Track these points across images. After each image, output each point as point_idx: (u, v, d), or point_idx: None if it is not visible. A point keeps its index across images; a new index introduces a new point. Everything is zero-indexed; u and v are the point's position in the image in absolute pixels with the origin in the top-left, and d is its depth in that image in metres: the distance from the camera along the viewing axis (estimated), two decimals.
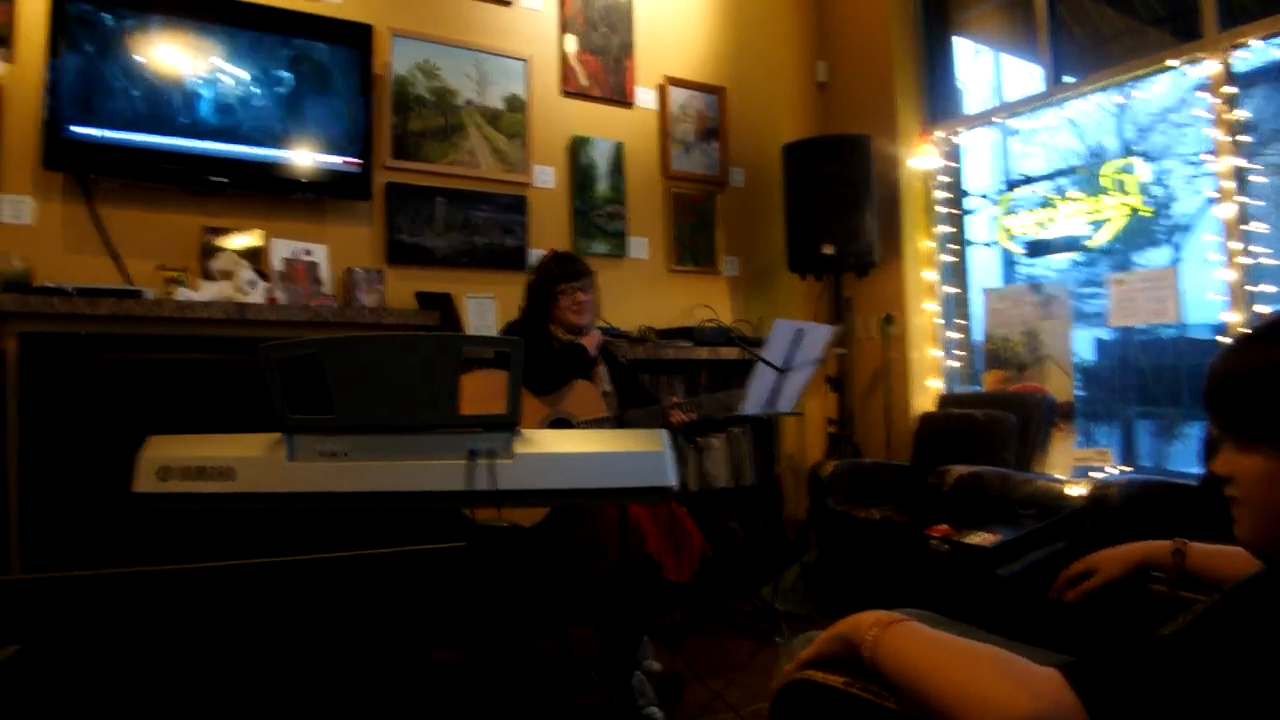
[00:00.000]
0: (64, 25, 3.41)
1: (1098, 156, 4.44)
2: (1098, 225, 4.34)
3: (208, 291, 3.48)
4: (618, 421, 3.15)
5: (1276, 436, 1.04)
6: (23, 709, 1.30)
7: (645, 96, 5.03)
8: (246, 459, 1.56)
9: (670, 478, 1.57)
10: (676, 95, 5.12)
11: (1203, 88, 3.95)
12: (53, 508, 3.10)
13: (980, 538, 3.28)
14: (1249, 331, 1.13)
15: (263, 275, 3.65)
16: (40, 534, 3.08)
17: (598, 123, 4.86)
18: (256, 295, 3.52)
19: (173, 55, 3.61)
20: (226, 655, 1.53)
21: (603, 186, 4.81)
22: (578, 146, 4.75)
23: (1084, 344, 4.76)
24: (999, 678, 0.96)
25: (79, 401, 3.16)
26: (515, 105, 4.56)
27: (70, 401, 3.15)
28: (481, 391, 2.13)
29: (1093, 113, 4.58)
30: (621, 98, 4.94)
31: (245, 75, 3.74)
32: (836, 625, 1.21)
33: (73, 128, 3.41)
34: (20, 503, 3.08)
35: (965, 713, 0.96)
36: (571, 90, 4.78)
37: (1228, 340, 3.41)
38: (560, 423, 3.09)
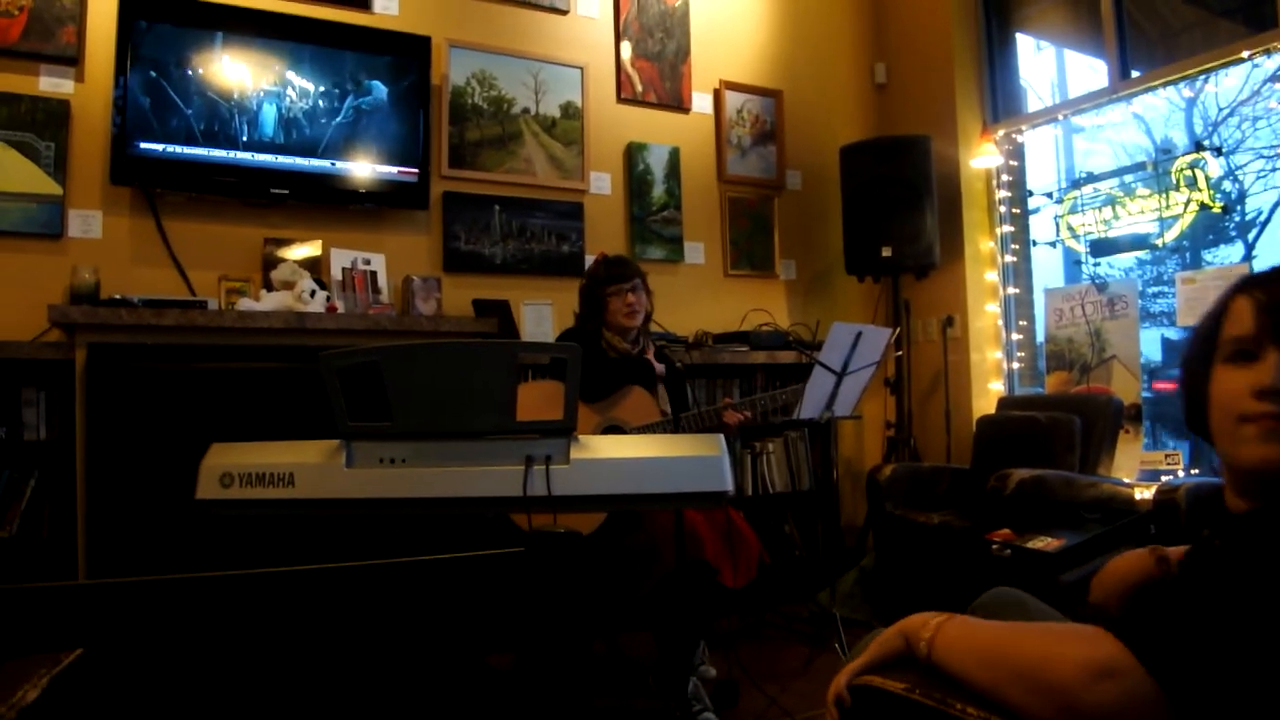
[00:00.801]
0: (131, 44, 3.51)
1: (1166, 152, 4.34)
2: (1165, 223, 4.25)
3: (269, 301, 3.54)
4: (672, 426, 3.15)
5: None
6: (86, 713, 1.34)
7: (701, 101, 5.03)
8: (306, 465, 1.59)
9: (727, 482, 1.57)
10: (732, 99, 5.11)
11: (1277, 79, 3.84)
12: (118, 514, 3.17)
13: (1043, 542, 3.23)
14: None
15: (322, 285, 3.71)
16: (106, 540, 3.16)
17: (653, 128, 4.87)
18: (316, 304, 3.57)
19: (235, 71, 3.70)
20: (286, 659, 1.55)
21: (659, 192, 4.82)
22: (634, 152, 4.77)
23: (1151, 344, 4.66)
24: (1055, 640, 1.01)
25: (144, 410, 3.24)
26: (571, 113, 4.59)
27: (135, 410, 3.22)
28: (532, 402, 2.14)
29: (1161, 107, 4.49)
30: (677, 103, 4.94)
31: (305, 89, 3.82)
32: (890, 628, 1.23)
33: (140, 144, 3.51)
34: (87, 509, 3.16)
35: (1037, 673, 0.99)
36: (627, 97, 4.80)
37: None
38: (613, 429, 3.10)
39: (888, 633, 1.23)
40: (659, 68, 4.89)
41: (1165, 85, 4.32)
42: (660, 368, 3.28)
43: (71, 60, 3.56)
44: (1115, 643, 0.96)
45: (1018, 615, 1.37)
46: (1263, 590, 0.93)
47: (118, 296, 3.31)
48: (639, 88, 4.83)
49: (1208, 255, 5.04)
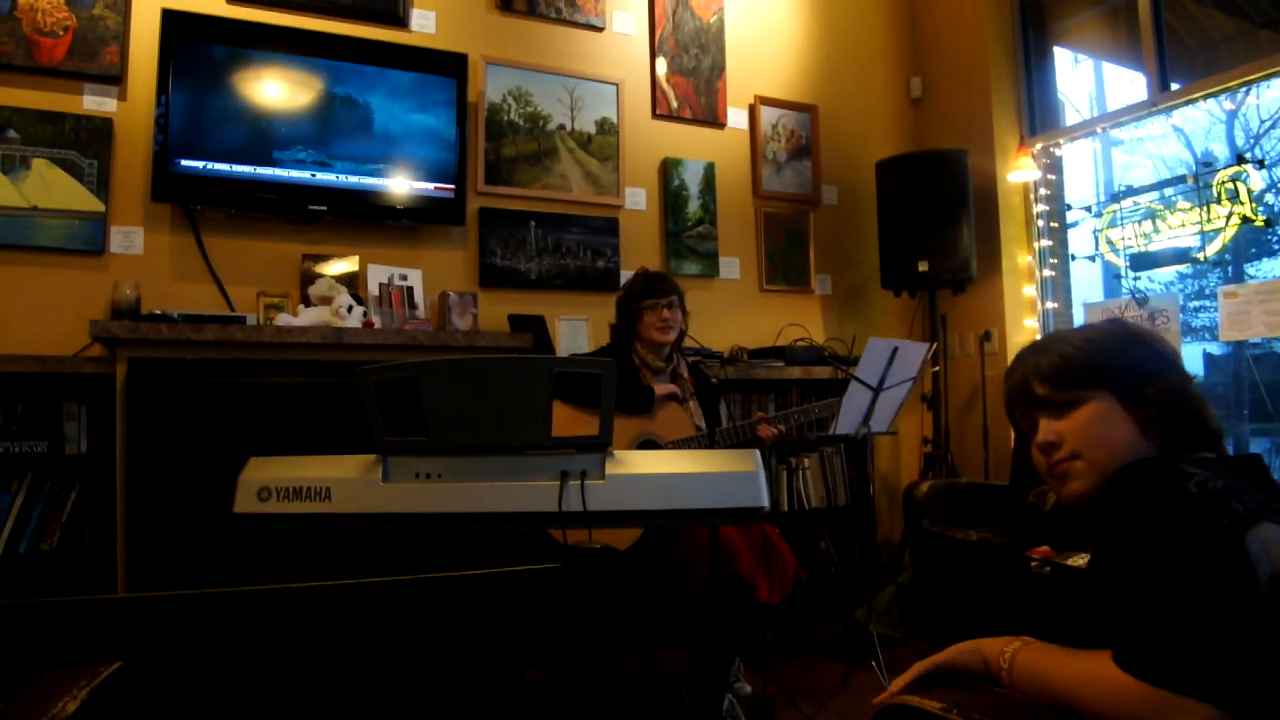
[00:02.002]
0: (173, 63, 3.57)
1: (1207, 165, 4.29)
2: (1207, 236, 4.19)
3: (306, 316, 3.57)
4: (706, 440, 3.14)
5: (1097, 382, 1.35)
6: None
7: (736, 116, 5.03)
8: (343, 480, 1.59)
9: (763, 498, 1.56)
10: (767, 114, 5.11)
11: None
12: (158, 527, 3.20)
13: (1083, 560, 3.18)
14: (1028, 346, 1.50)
15: (359, 300, 3.74)
16: (145, 553, 3.19)
17: (689, 144, 4.88)
18: (353, 320, 3.59)
19: (274, 89, 3.75)
20: (323, 673, 1.56)
21: (694, 207, 4.82)
22: (669, 168, 4.77)
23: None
24: (1098, 662, 1.15)
25: (183, 424, 3.27)
26: (607, 129, 4.61)
27: (175, 424, 3.26)
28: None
29: (1201, 120, 4.43)
30: (712, 119, 4.94)
31: (343, 107, 3.86)
32: (965, 643, 1.35)
33: (181, 161, 3.56)
34: (127, 522, 3.19)
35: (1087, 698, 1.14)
36: (662, 113, 4.81)
37: None
38: (647, 444, 3.10)
39: (964, 646, 1.34)
40: (694, 83, 4.90)
41: (1206, 97, 4.26)
42: (661, 393, 3.25)
43: (115, 79, 3.62)
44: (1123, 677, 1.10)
45: None
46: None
47: (158, 312, 3.35)
48: (674, 103, 4.84)
49: (1250, 269, 4.96)
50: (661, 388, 3.22)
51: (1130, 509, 1.20)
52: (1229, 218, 4.09)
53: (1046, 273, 5.00)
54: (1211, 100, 4.27)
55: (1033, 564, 3.32)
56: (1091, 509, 1.35)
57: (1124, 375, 1.35)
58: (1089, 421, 1.35)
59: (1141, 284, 4.65)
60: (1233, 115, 4.31)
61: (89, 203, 3.53)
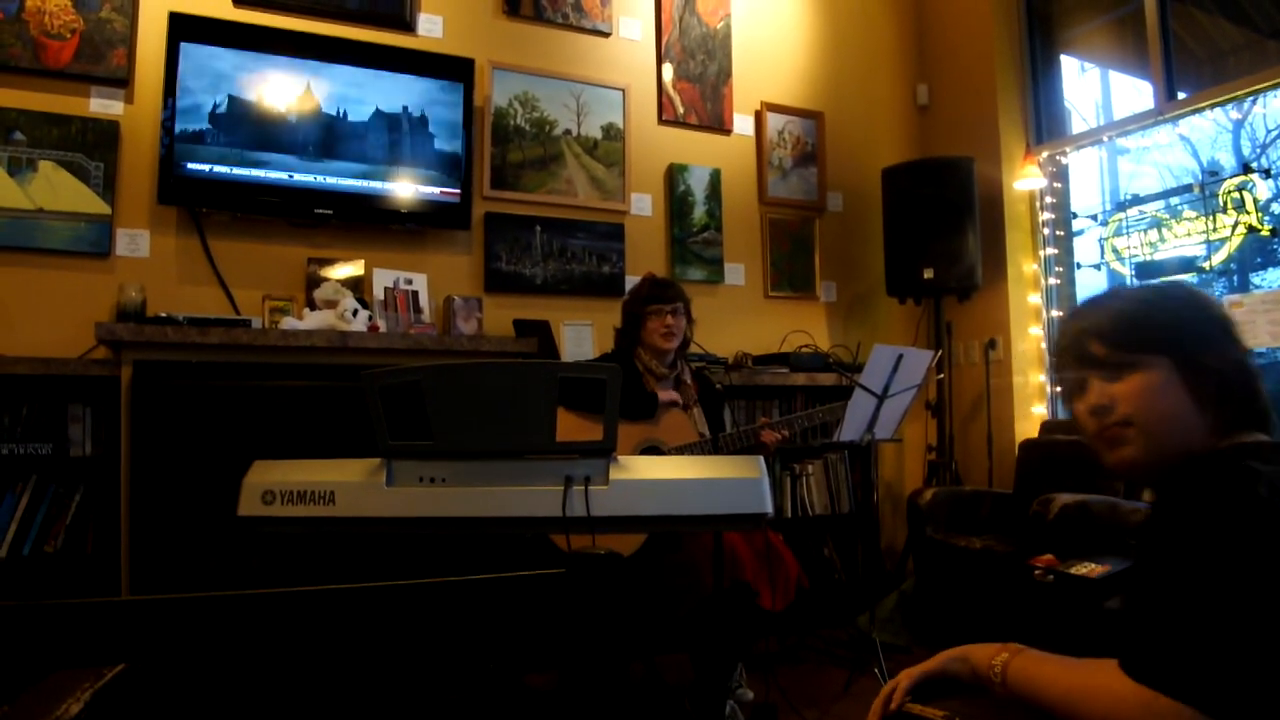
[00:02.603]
0: (179, 66, 3.58)
1: (1213, 174, 4.28)
2: (1213, 245, 4.19)
3: (312, 320, 3.58)
4: (710, 446, 3.14)
5: (1157, 347, 1.27)
6: None
7: (742, 123, 5.04)
8: (347, 484, 1.59)
9: (766, 504, 1.56)
10: (774, 121, 5.11)
11: None
12: (161, 530, 3.21)
13: (1086, 568, 3.17)
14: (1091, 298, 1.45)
15: (364, 304, 3.74)
16: (149, 555, 3.19)
17: (695, 150, 4.88)
18: (358, 324, 3.60)
19: (280, 93, 3.75)
20: (326, 677, 1.56)
21: (699, 213, 4.83)
22: (675, 174, 4.78)
23: None
24: (1100, 673, 1.14)
25: (188, 427, 3.27)
26: (613, 134, 4.61)
27: (179, 427, 3.26)
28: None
29: (1208, 129, 4.43)
30: (718, 125, 4.95)
31: (349, 110, 3.87)
32: (953, 650, 1.33)
33: (187, 164, 3.57)
34: (130, 525, 3.20)
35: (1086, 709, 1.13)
36: (668, 118, 4.81)
37: None
38: (651, 449, 3.09)
39: (952, 653, 1.33)
40: (700, 89, 4.90)
41: (1212, 107, 4.26)
42: (665, 399, 3.25)
43: (121, 82, 3.63)
44: (1131, 685, 1.08)
45: None
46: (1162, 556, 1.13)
47: (163, 314, 3.36)
48: (680, 109, 4.84)
49: (1255, 278, 4.94)
50: (665, 394, 3.22)
51: (1193, 508, 1.13)
52: (1235, 227, 4.08)
53: (1052, 281, 4.99)
54: (1218, 110, 4.27)
55: (1036, 572, 3.31)
56: (1138, 477, 1.33)
57: (1186, 342, 1.28)
58: (1145, 388, 1.28)
59: None
60: (1239, 125, 4.30)
61: (95, 205, 3.54)
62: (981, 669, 1.26)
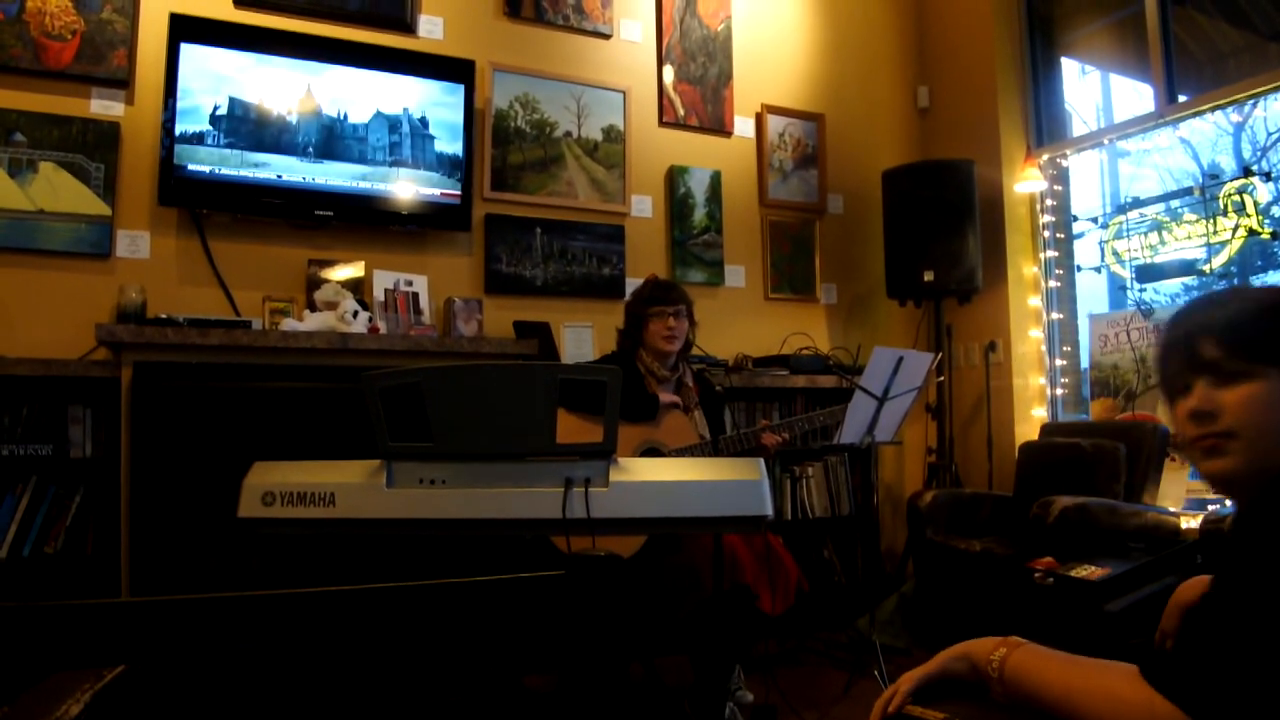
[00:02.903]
0: (180, 67, 3.58)
1: (1214, 177, 4.28)
2: (1213, 248, 4.19)
3: (312, 322, 3.58)
4: (710, 448, 3.14)
5: (1276, 357, 1.16)
6: None
7: (743, 125, 5.04)
8: (347, 485, 1.59)
9: (767, 507, 1.56)
10: (774, 123, 5.11)
11: None
12: (161, 531, 3.20)
13: (1086, 571, 3.17)
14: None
15: (365, 305, 3.74)
16: (149, 557, 3.19)
17: (695, 152, 4.88)
18: (359, 325, 3.60)
19: (281, 94, 3.76)
20: (326, 678, 1.56)
21: (700, 215, 4.83)
22: (675, 176, 4.78)
23: None
24: (1106, 675, 1.12)
25: (188, 428, 3.27)
26: (613, 136, 4.61)
27: (180, 428, 3.26)
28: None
29: (1208, 132, 4.43)
30: (719, 127, 4.95)
31: (350, 112, 3.87)
32: (953, 648, 1.30)
33: (188, 165, 3.57)
34: (130, 526, 3.20)
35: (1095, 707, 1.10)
36: (669, 120, 4.82)
37: None
38: (651, 451, 3.09)
39: (952, 652, 1.29)
40: (701, 91, 4.90)
41: (1213, 109, 4.27)
42: (665, 401, 3.25)
43: (122, 83, 3.63)
44: (1146, 690, 1.05)
45: None
46: (1247, 594, 1.04)
47: (163, 316, 3.35)
48: (681, 111, 4.84)
49: (1256, 281, 4.94)
50: (666, 396, 3.22)
51: None
52: (1235, 230, 4.09)
53: (1052, 284, 4.99)
54: (1219, 112, 4.27)
55: (1035, 575, 3.30)
56: (1232, 491, 1.22)
57: None
58: (1257, 401, 1.16)
59: (1147, 296, 4.64)
60: (1240, 128, 4.31)
61: (95, 206, 3.54)
62: (980, 663, 1.25)
